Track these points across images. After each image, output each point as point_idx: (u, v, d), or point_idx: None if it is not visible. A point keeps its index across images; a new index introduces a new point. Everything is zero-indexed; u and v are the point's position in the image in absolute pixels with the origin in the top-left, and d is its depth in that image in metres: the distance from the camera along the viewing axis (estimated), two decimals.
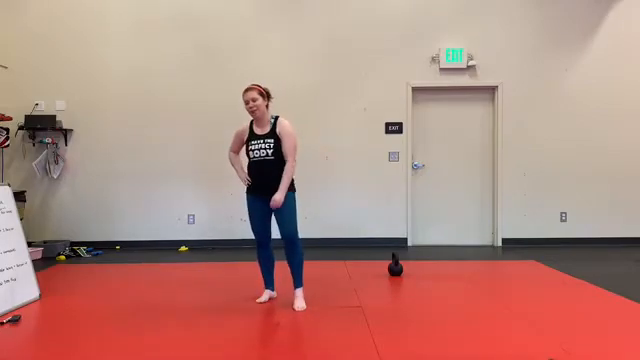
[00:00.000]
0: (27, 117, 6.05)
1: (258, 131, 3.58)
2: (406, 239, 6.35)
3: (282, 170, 3.48)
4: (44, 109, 6.19)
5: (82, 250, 5.88)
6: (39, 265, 4.94)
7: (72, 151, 6.25)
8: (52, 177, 6.15)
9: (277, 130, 3.52)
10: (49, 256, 5.64)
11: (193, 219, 6.32)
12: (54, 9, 6.22)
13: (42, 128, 6.05)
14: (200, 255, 5.81)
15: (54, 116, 6.08)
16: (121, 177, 6.26)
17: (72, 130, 6.24)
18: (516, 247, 6.19)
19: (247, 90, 3.59)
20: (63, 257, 5.61)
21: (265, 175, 3.50)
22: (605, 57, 6.30)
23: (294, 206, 3.56)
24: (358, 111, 6.31)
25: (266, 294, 3.74)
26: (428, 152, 6.44)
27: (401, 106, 6.32)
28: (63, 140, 6.21)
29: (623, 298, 3.77)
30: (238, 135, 3.73)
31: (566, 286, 4.21)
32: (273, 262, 3.75)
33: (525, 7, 6.30)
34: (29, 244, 4.47)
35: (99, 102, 6.24)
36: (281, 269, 3.82)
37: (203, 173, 6.27)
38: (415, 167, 6.41)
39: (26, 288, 3.74)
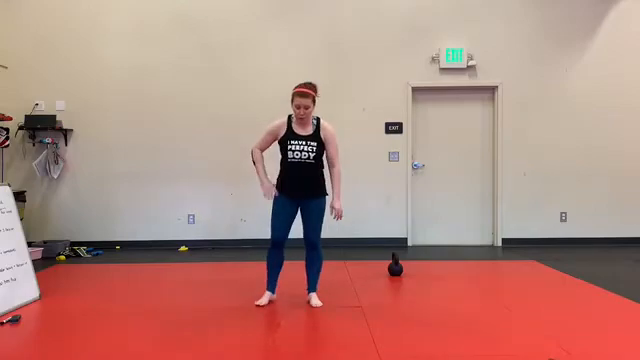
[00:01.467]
0: (27, 117, 6.04)
1: (300, 131, 3.47)
2: (406, 239, 6.35)
3: (319, 173, 3.50)
4: (44, 109, 6.19)
5: (82, 250, 5.87)
6: (39, 265, 4.94)
7: (72, 151, 6.25)
8: (52, 177, 6.15)
9: (321, 134, 3.47)
10: (49, 256, 5.63)
11: (193, 219, 6.32)
12: (54, 9, 6.22)
13: (42, 128, 6.05)
14: (200, 255, 5.81)
15: (54, 116, 6.08)
16: (121, 177, 6.25)
17: (72, 130, 6.24)
18: (516, 247, 6.19)
19: (302, 95, 3.38)
20: (63, 257, 5.61)
21: (304, 178, 3.47)
22: (605, 57, 6.30)
23: (324, 211, 3.56)
24: (358, 111, 6.31)
25: (266, 296, 3.66)
26: (428, 152, 6.45)
27: (401, 106, 6.32)
28: (63, 140, 6.21)
29: (623, 298, 3.77)
30: (272, 132, 3.54)
31: (566, 286, 4.21)
32: (282, 265, 3.67)
33: (525, 7, 6.30)
34: (29, 244, 4.47)
35: (99, 102, 6.24)
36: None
37: (203, 173, 6.27)
38: (415, 167, 6.41)
39: (26, 288, 3.74)
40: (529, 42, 6.30)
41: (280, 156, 3.56)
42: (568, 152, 6.32)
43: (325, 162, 3.57)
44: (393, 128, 6.32)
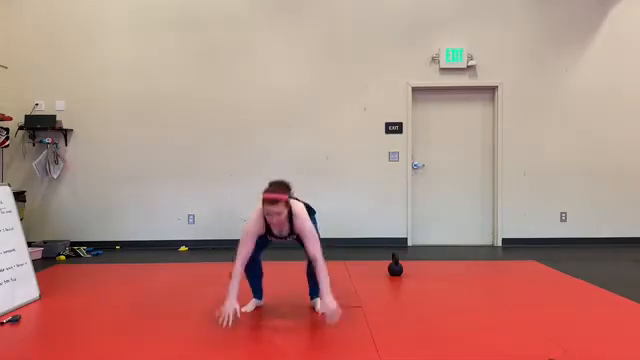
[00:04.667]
0: (27, 117, 6.04)
1: (277, 232, 3.21)
2: (406, 239, 6.35)
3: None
4: (44, 109, 6.19)
5: (82, 250, 5.87)
6: (39, 265, 4.93)
7: (72, 151, 6.25)
8: (52, 177, 6.15)
9: (295, 229, 3.16)
10: (49, 256, 5.63)
11: (193, 219, 6.32)
12: (54, 9, 6.22)
13: (42, 128, 6.05)
14: (200, 255, 5.81)
15: (54, 116, 6.08)
16: (121, 177, 6.25)
17: (72, 130, 6.24)
18: (516, 247, 6.19)
19: (271, 203, 3.00)
20: (63, 257, 5.61)
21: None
22: (605, 57, 6.30)
23: (317, 230, 3.33)
24: (358, 111, 6.31)
25: (252, 303, 3.50)
26: (428, 152, 6.45)
27: (401, 106, 6.32)
28: (63, 140, 6.21)
29: (623, 298, 3.77)
30: (253, 235, 3.16)
31: (566, 286, 4.21)
32: (262, 273, 3.50)
33: (525, 7, 6.30)
34: (29, 244, 4.47)
35: (99, 102, 6.24)
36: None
37: (203, 173, 6.27)
38: (415, 167, 6.41)
39: (26, 288, 3.74)
40: (529, 42, 6.30)
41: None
42: (568, 152, 6.32)
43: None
44: (393, 128, 6.32)
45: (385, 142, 6.33)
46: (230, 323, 2.97)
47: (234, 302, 3.05)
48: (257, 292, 3.56)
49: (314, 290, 3.47)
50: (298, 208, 3.15)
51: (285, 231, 3.20)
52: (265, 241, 3.34)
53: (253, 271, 3.45)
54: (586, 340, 2.92)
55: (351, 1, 6.30)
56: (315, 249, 3.10)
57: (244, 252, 3.14)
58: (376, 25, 6.29)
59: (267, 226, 3.16)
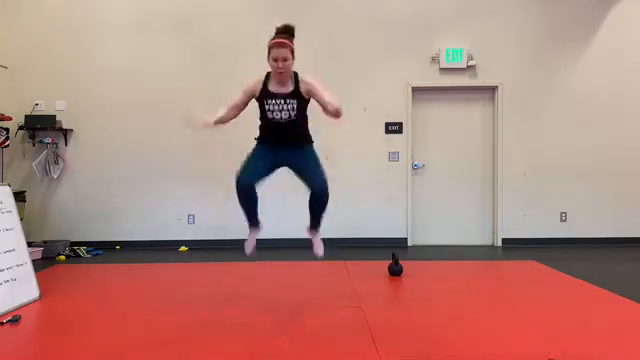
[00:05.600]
0: (27, 117, 6.04)
1: (277, 89, 3.18)
2: (406, 239, 6.34)
3: (304, 128, 3.27)
4: (44, 109, 6.18)
5: (82, 250, 5.87)
6: (39, 265, 4.93)
7: (72, 151, 6.25)
8: (52, 177, 6.15)
9: (302, 88, 3.16)
10: (49, 256, 5.63)
11: (193, 219, 6.32)
12: (53, 10, 6.22)
13: (42, 128, 6.05)
14: (200, 255, 5.81)
15: (54, 116, 6.07)
16: (121, 177, 6.25)
17: (72, 130, 6.24)
18: (516, 247, 6.19)
19: (279, 45, 3.09)
20: (63, 257, 5.60)
21: (288, 136, 3.22)
22: (605, 56, 6.29)
23: (317, 156, 3.33)
24: (358, 111, 6.31)
25: (252, 239, 3.44)
26: (428, 152, 6.44)
27: (401, 106, 6.32)
28: (63, 140, 6.21)
29: (623, 298, 3.76)
30: (247, 91, 3.27)
31: (566, 286, 4.21)
32: (257, 200, 3.37)
33: (525, 7, 6.30)
34: (29, 244, 4.47)
35: (99, 102, 6.24)
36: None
37: (203, 173, 6.26)
38: (415, 167, 6.41)
39: (26, 288, 3.73)
40: (529, 42, 6.30)
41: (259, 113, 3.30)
42: (568, 152, 6.32)
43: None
44: (393, 128, 6.32)
45: (385, 142, 6.33)
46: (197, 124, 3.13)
47: (208, 121, 3.24)
48: (253, 219, 3.42)
49: (316, 223, 3.56)
50: (307, 76, 3.22)
51: (287, 88, 3.15)
52: (269, 159, 3.26)
53: (249, 196, 3.29)
54: (586, 340, 2.92)
55: (351, 1, 6.30)
56: (327, 95, 3.07)
57: (233, 101, 3.26)
58: (376, 25, 6.28)
59: (264, 87, 3.18)
